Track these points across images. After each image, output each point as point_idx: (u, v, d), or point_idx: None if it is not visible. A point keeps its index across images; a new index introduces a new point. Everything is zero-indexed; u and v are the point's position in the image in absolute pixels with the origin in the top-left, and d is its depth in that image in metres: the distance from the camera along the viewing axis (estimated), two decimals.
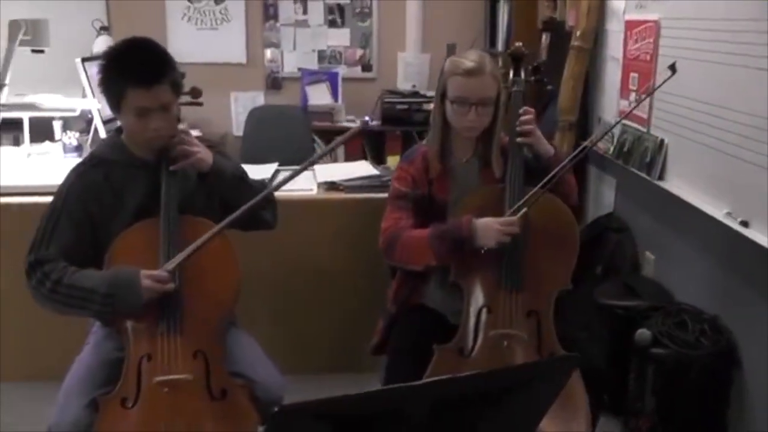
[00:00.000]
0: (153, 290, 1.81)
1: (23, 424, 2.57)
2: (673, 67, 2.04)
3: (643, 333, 2.28)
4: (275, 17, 4.96)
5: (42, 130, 3.48)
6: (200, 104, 2.25)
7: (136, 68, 1.84)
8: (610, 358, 2.53)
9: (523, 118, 2.15)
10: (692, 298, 2.46)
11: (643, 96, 2.62)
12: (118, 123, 2.19)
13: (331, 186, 3.06)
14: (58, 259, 1.87)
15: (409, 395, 1.14)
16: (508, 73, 2.30)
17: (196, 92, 2.25)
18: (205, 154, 2.01)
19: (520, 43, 2.35)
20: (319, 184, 3.07)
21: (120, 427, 1.77)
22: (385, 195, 2.31)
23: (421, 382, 1.13)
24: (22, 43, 2.91)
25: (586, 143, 2.22)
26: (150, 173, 1.98)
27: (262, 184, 2.20)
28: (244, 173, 2.13)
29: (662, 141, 2.54)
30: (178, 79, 1.94)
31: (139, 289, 1.80)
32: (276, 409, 1.05)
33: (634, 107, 2.59)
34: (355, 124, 4.83)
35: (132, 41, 1.91)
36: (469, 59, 2.11)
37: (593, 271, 3.01)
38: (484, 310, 2.05)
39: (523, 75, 2.29)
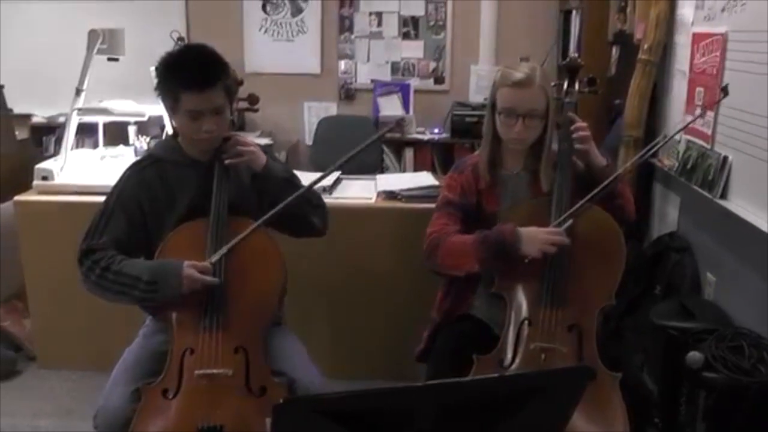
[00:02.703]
0: (193, 278, 1.88)
1: (82, 409, 2.71)
2: (725, 90, 2.00)
3: (694, 356, 2.18)
4: (350, 29, 5.05)
5: (118, 135, 3.66)
6: (256, 110, 2.34)
7: (189, 73, 1.92)
8: (663, 381, 2.44)
9: (578, 124, 2.12)
10: (753, 323, 2.34)
11: (699, 114, 2.55)
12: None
13: (390, 195, 3.08)
14: (109, 248, 1.97)
15: (414, 395, 1.15)
16: (563, 85, 2.28)
17: (253, 99, 2.34)
18: (258, 155, 2.08)
19: (576, 54, 2.33)
20: (379, 193, 3.11)
21: (159, 415, 1.83)
22: None
23: (427, 383, 1.13)
24: (100, 52, 3.07)
25: (640, 154, 2.17)
26: (202, 174, 2.06)
27: (312, 190, 2.24)
28: (295, 177, 2.18)
29: (725, 158, 2.44)
30: (231, 84, 2.02)
31: (181, 277, 1.88)
32: (281, 400, 1.08)
33: (693, 120, 2.51)
34: (425, 136, 4.86)
35: (187, 47, 2.01)
36: (519, 71, 2.10)
37: (653, 292, 2.92)
38: (526, 323, 2.02)
39: (577, 87, 2.26)
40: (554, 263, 2.01)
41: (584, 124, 2.14)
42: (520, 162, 2.22)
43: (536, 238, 1.99)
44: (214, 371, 1.87)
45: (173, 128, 2.12)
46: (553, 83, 2.23)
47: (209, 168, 2.06)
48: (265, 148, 2.21)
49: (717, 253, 2.64)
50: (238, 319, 1.95)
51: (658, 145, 2.28)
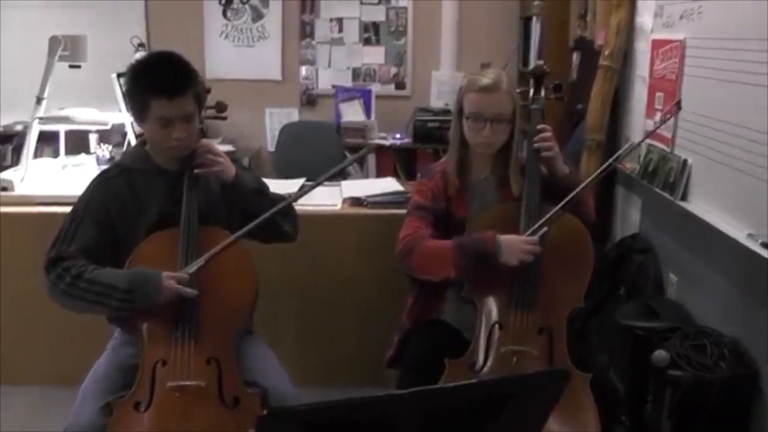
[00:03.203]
0: (172, 290, 1.86)
1: (47, 425, 2.64)
2: (678, 104, 2.06)
3: (660, 354, 2.24)
4: (311, 35, 5.05)
5: (79, 143, 3.59)
6: (224, 118, 2.32)
7: (159, 80, 1.91)
8: (629, 380, 2.49)
9: (543, 134, 2.16)
10: (714, 321, 2.41)
11: (655, 127, 2.62)
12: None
13: (355, 201, 3.09)
14: (79, 257, 1.93)
15: (398, 403, 1.15)
16: (529, 91, 2.32)
17: (221, 106, 2.32)
18: (228, 166, 2.07)
19: (542, 62, 2.36)
20: (344, 200, 3.11)
21: (131, 430, 1.80)
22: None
23: (410, 390, 1.13)
24: (61, 59, 3.01)
25: (604, 166, 2.22)
26: (172, 182, 2.04)
27: (279, 196, 2.25)
28: (264, 187, 2.18)
29: (686, 161, 2.51)
30: (201, 91, 2.01)
31: (160, 286, 1.85)
32: (265, 412, 1.08)
33: (650, 134, 2.58)
34: (387, 141, 4.88)
35: (156, 54, 1.99)
36: (485, 76, 2.13)
37: (617, 293, 2.98)
38: (496, 326, 2.05)
39: (543, 93, 2.30)
40: (526, 268, 2.03)
41: (548, 134, 2.17)
42: (487, 167, 2.25)
43: (515, 246, 2.00)
44: (187, 383, 1.85)
45: (137, 136, 2.10)
46: (518, 90, 2.26)
47: (178, 177, 2.04)
48: (234, 157, 2.20)
49: (678, 253, 2.71)
50: (210, 329, 1.93)
51: (624, 154, 2.33)
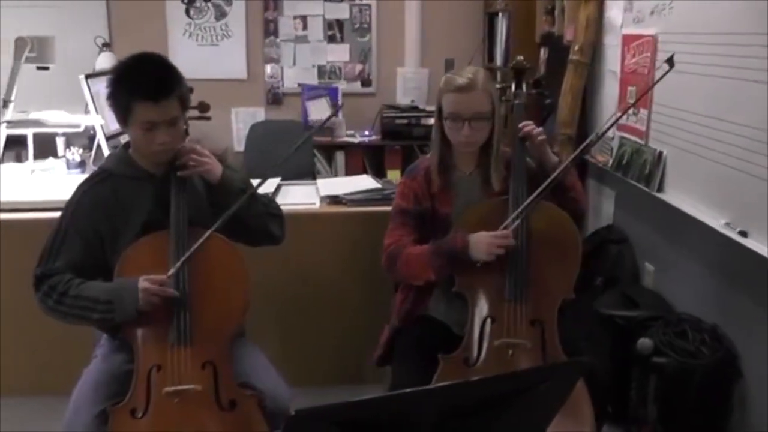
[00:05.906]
0: (150, 292, 1.84)
1: None
2: (670, 61, 2.06)
3: (644, 342, 2.30)
4: (275, 33, 5.01)
5: (44, 147, 3.50)
6: (208, 119, 2.29)
7: (144, 83, 1.87)
8: (612, 368, 2.55)
9: (535, 128, 2.18)
10: (692, 307, 2.48)
11: (648, 87, 2.61)
12: (121, 139, 2.15)
13: (334, 200, 3.08)
14: (65, 272, 1.91)
15: (421, 399, 1.17)
16: (510, 87, 2.34)
17: (204, 107, 2.29)
18: (215, 166, 2.05)
19: (522, 57, 2.38)
20: (322, 198, 3.10)
21: None
22: (387, 207, 2.34)
23: (435, 385, 1.15)
24: (28, 60, 2.94)
25: (584, 144, 2.24)
26: (158, 187, 2.01)
27: (268, 198, 2.24)
28: (250, 186, 2.16)
29: (661, 153, 2.57)
30: (185, 93, 1.98)
31: (136, 293, 1.83)
32: (294, 412, 1.07)
33: (634, 103, 2.62)
34: (355, 139, 4.88)
35: (140, 56, 1.95)
36: (462, 76, 2.14)
37: (593, 282, 3.04)
38: (489, 320, 2.07)
39: (524, 88, 2.33)
40: (513, 260, 2.06)
41: (533, 124, 2.20)
42: (471, 163, 2.26)
43: (482, 242, 2.03)
44: (184, 387, 1.84)
45: (107, 139, 2.05)
46: (498, 85, 2.28)
47: (164, 181, 2.01)
48: (221, 157, 2.17)
49: (654, 243, 2.78)
50: (206, 333, 1.92)
51: (602, 135, 2.33)
